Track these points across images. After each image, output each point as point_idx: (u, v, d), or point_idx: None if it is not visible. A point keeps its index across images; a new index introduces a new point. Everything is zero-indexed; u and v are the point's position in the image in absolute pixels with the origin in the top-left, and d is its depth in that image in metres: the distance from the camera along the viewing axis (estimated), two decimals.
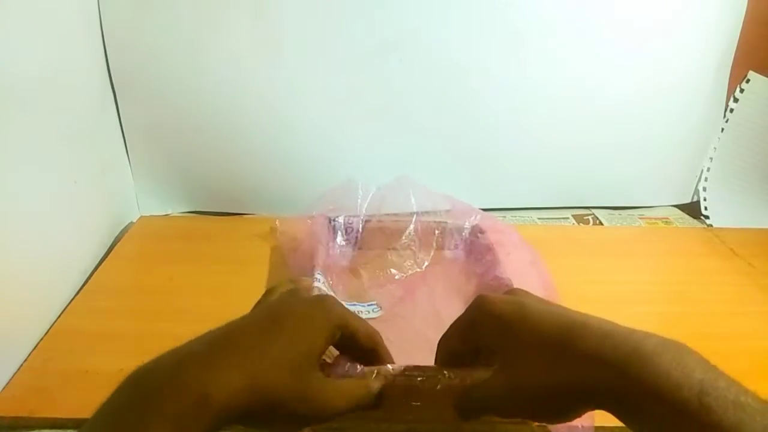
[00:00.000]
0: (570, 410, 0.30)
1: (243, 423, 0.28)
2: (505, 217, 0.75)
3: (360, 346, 0.34)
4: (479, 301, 0.33)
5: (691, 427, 0.24)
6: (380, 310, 0.51)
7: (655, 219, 0.77)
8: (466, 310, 0.34)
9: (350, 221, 0.60)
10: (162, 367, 0.27)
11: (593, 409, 0.29)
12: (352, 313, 0.34)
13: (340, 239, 0.60)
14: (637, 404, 0.26)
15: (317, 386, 0.30)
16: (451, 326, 0.36)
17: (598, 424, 0.39)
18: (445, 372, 0.35)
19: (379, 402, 0.33)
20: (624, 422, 0.27)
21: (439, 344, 0.36)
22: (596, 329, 0.29)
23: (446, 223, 0.60)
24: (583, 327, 0.29)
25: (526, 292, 0.36)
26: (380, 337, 0.35)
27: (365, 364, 0.35)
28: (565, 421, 0.30)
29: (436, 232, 0.59)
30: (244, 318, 0.32)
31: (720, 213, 0.78)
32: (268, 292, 0.37)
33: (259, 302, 0.37)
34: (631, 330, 0.28)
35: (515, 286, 0.50)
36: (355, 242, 0.60)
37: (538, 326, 0.30)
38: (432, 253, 0.59)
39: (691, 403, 0.24)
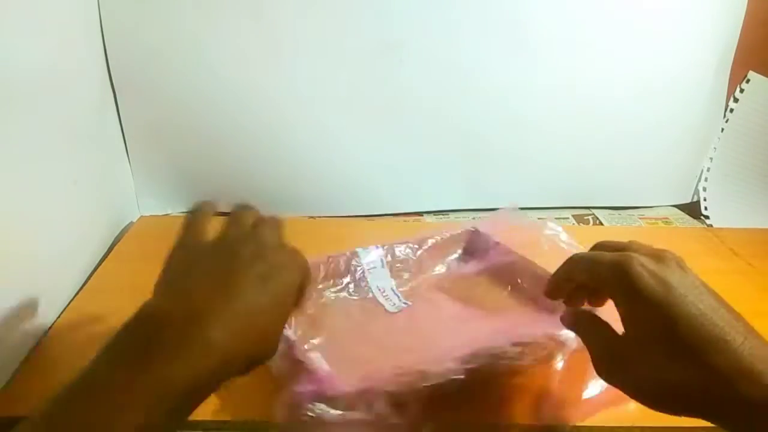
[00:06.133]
0: (683, 412, 0.29)
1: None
2: None
3: None
4: (625, 263, 0.30)
5: None
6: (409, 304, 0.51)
7: (655, 219, 0.77)
8: (609, 261, 0.32)
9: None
10: (177, 317, 0.27)
11: (704, 419, 0.28)
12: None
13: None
14: None
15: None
16: (587, 261, 0.34)
17: (601, 423, 0.39)
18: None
19: None
20: None
21: (566, 263, 0.35)
22: (734, 356, 0.27)
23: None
24: (720, 345, 0.27)
25: (676, 262, 0.32)
26: None
27: None
28: (673, 414, 0.30)
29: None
30: (232, 259, 0.31)
31: (720, 213, 0.78)
32: (233, 222, 0.35)
33: (225, 234, 0.34)
34: None
35: None
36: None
37: (675, 328, 0.28)
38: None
39: None
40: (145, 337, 0.26)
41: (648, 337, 0.30)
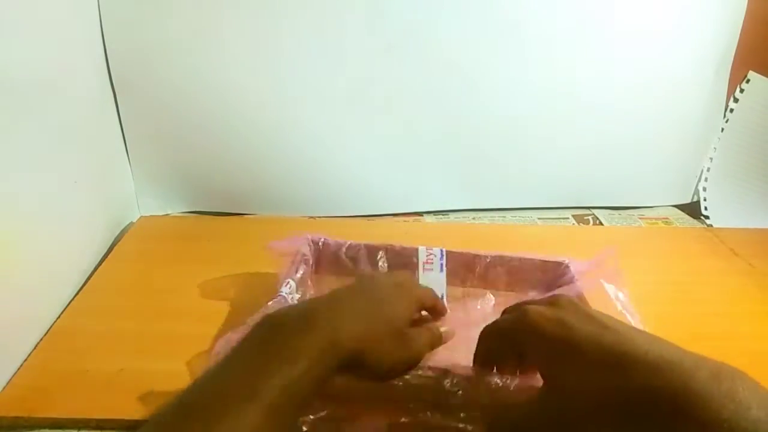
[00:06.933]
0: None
1: (356, 368, 0.33)
2: (504, 217, 0.75)
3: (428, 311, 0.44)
4: (522, 316, 0.34)
5: None
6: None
7: (655, 219, 0.77)
8: (509, 320, 0.36)
9: None
10: (294, 315, 0.33)
11: None
12: (428, 291, 0.44)
13: None
14: None
15: (410, 336, 0.37)
16: (493, 328, 0.37)
17: None
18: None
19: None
20: None
21: (479, 340, 0.38)
22: (643, 360, 0.28)
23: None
24: (629, 358, 0.28)
25: (570, 302, 0.34)
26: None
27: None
28: None
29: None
30: (348, 289, 0.38)
31: (720, 213, 0.78)
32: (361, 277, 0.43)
33: (353, 285, 0.40)
34: (680, 357, 0.27)
35: None
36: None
37: (582, 354, 0.30)
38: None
39: None
40: (261, 339, 0.32)
41: (565, 375, 0.30)
